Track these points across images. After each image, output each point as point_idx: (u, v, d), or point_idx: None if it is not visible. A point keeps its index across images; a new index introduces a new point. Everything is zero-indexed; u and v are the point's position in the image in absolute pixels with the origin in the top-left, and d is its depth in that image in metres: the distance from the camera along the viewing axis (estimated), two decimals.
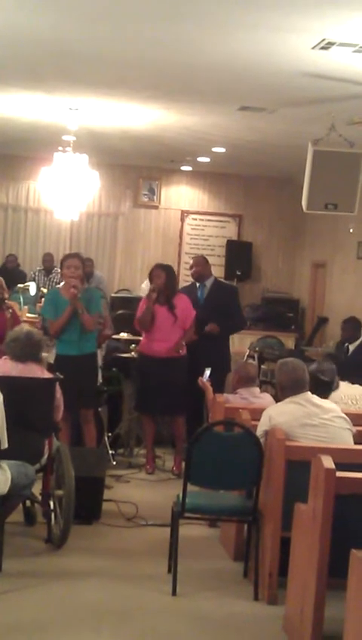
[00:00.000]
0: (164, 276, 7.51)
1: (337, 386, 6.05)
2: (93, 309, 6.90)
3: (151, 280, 7.67)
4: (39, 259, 13.50)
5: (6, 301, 7.39)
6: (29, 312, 9.34)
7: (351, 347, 8.59)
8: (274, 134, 10.10)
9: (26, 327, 5.90)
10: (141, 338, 7.85)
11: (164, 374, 7.35)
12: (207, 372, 6.61)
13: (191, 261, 8.68)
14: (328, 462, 4.06)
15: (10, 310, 7.35)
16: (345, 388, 6.32)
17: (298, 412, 4.95)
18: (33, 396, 5.48)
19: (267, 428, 4.94)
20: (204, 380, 6.58)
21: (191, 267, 8.39)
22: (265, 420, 5.00)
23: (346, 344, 8.73)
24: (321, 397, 5.18)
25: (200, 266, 8.29)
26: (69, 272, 6.87)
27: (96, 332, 7.02)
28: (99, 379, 7.39)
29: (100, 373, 7.44)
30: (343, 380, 6.46)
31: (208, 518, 5.59)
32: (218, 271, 12.72)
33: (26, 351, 5.60)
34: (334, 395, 6.05)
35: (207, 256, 8.70)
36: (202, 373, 6.65)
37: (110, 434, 7.74)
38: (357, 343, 8.58)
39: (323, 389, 5.53)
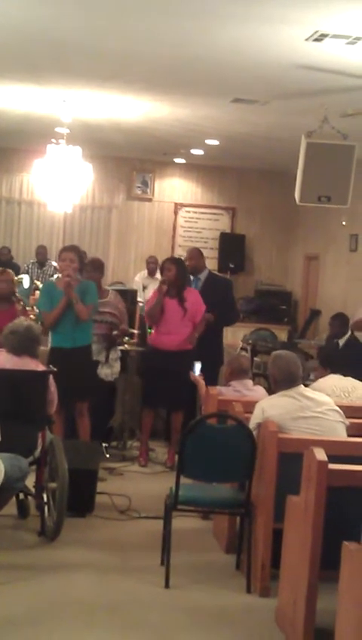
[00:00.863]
0: (174, 269, 7.50)
1: (308, 377, 6.12)
2: (88, 301, 6.90)
3: (161, 273, 7.68)
4: (33, 251, 13.47)
5: (16, 294, 7.42)
6: None
7: (341, 342, 8.60)
8: (268, 126, 10.10)
9: (26, 320, 5.86)
10: (134, 331, 7.84)
11: (173, 368, 7.32)
12: (197, 366, 6.61)
13: (184, 254, 8.67)
14: (320, 454, 4.06)
15: (22, 303, 7.37)
16: (337, 380, 6.32)
17: (291, 405, 4.95)
18: (27, 389, 5.47)
19: (260, 420, 4.94)
20: (195, 374, 6.57)
21: (185, 259, 8.38)
22: (258, 412, 5.01)
23: (335, 340, 8.74)
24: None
25: (195, 259, 8.28)
26: (63, 265, 6.88)
27: (90, 324, 7.02)
28: (116, 370, 7.51)
29: (119, 364, 7.58)
30: (335, 371, 6.48)
31: (201, 511, 5.60)
32: (211, 263, 12.74)
33: (24, 344, 5.59)
34: (325, 386, 6.07)
35: (200, 249, 8.68)
36: (192, 368, 6.65)
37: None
38: (346, 337, 8.59)
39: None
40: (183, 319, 7.46)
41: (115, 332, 7.51)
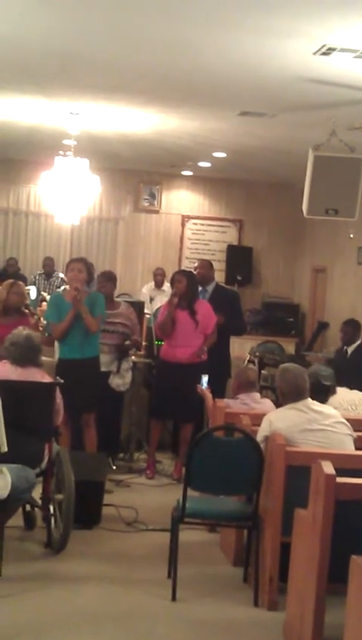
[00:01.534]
0: (185, 281, 7.51)
1: (334, 391, 6.08)
2: (97, 313, 6.91)
3: (172, 285, 7.69)
4: (39, 263, 13.50)
5: (30, 307, 7.44)
6: None
7: (350, 350, 8.59)
8: (275, 139, 10.11)
9: (24, 329, 5.85)
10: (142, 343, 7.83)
11: (184, 380, 7.30)
12: (205, 379, 6.60)
13: (192, 265, 8.67)
14: (328, 467, 4.05)
15: (36, 316, 7.39)
16: (344, 393, 6.31)
17: (298, 418, 4.95)
18: (33, 400, 5.47)
19: (267, 433, 4.93)
20: (203, 387, 6.57)
21: (195, 269, 8.39)
22: (266, 425, 5.00)
23: (345, 347, 8.73)
24: (319, 401, 5.18)
25: (205, 269, 8.31)
26: (72, 275, 6.90)
27: (99, 336, 7.03)
28: (128, 380, 7.52)
29: (130, 374, 7.59)
30: (342, 384, 6.47)
31: (208, 524, 5.59)
32: (219, 276, 12.69)
33: (26, 355, 5.59)
34: (333, 400, 6.05)
35: (211, 261, 8.71)
36: (200, 381, 6.64)
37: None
38: (356, 345, 8.58)
39: (323, 392, 5.55)
40: (195, 331, 7.46)
41: (127, 342, 7.51)
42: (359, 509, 4.12)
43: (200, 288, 8.15)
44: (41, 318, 8.03)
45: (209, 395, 6.38)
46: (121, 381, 7.52)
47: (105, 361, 7.27)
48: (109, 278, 7.75)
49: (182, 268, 12.71)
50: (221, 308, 7.95)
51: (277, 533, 4.73)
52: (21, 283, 7.60)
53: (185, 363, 7.41)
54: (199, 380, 6.65)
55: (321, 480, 4.03)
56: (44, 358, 6.78)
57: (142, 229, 14.55)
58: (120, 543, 5.74)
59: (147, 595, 4.84)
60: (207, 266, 8.39)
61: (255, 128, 9.45)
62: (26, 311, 7.31)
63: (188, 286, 7.51)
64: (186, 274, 7.77)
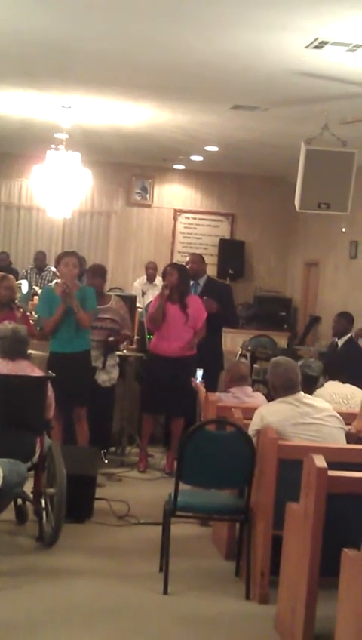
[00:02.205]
0: (176, 274, 7.51)
1: (321, 383, 6.14)
2: (89, 307, 6.90)
3: (163, 278, 7.70)
4: (31, 257, 13.45)
5: (16, 301, 7.43)
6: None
7: (340, 342, 8.59)
8: (267, 133, 10.11)
9: (10, 323, 5.84)
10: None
11: (174, 373, 7.32)
12: (199, 373, 6.60)
13: (184, 259, 8.67)
14: (320, 461, 4.06)
15: (21, 310, 7.38)
16: (336, 387, 6.32)
17: (290, 411, 4.95)
18: (24, 394, 5.46)
19: (259, 427, 4.93)
20: (197, 381, 6.57)
21: (186, 263, 8.38)
22: (257, 419, 5.00)
23: (335, 339, 8.72)
24: (305, 391, 5.20)
25: (196, 263, 8.30)
26: (66, 270, 6.88)
27: (90, 329, 7.03)
28: (114, 376, 7.49)
29: (117, 370, 7.58)
30: (333, 378, 6.47)
31: (200, 517, 5.58)
32: (211, 270, 12.73)
33: (15, 347, 5.59)
34: (324, 393, 6.07)
35: (202, 256, 8.70)
36: (194, 375, 6.65)
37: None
38: (346, 338, 8.58)
39: (309, 382, 5.60)
40: (185, 325, 7.47)
41: (110, 338, 7.48)
42: (350, 503, 4.13)
43: (191, 282, 8.15)
44: (32, 312, 8.03)
45: (202, 389, 6.37)
46: (107, 377, 7.50)
47: (92, 357, 7.25)
48: (99, 272, 7.73)
49: (175, 262, 12.71)
50: (213, 300, 7.95)
51: (268, 526, 4.73)
52: (11, 277, 7.59)
53: (175, 356, 7.41)
54: (191, 374, 6.64)
55: (313, 473, 4.03)
56: (37, 352, 6.80)
57: (134, 223, 14.54)
58: (112, 536, 5.74)
59: (139, 589, 4.84)
60: (198, 259, 8.39)
61: (247, 122, 9.45)
62: (13, 305, 7.30)
63: (180, 279, 7.51)
64: (178, 267, 7.77)
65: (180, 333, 7.46)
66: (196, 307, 7.57)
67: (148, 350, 7.85)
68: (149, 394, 7.64)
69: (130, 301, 8.44)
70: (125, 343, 8.00)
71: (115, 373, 7.61)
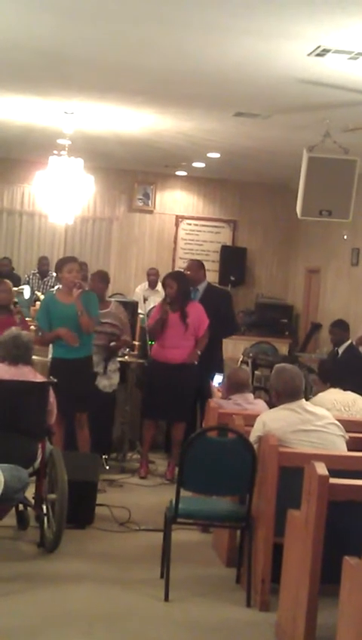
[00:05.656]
0: (175, 286, 7.50)
1: (311, 392, 6.17)
2: (92, 313, 6.91)
3: (164, 289, 7.71)
4: (33, 262, 13.49)
5: (16, 305, 7.46)
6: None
7: (340, 350, 8.60)
8: (269, 140, 10.13)
9: (16, 329, 5.86)
10: (135, 343, 7.82)
11: (175, 380, 7.34)
12: (217, 377, 6.60)
13: (185, 265, 8.67)
14: (321, 468, 4.06)
15: (20, 315, 7.40)
16: (338, 394, 6.32)
17: (292, 418, 4.95)
18: (26, 400, 5.46)
19: (260, 434, 4.93)
20: (215, 385, 6.57)
21: (185, 270, 8.38)
22: (259, 425, 5.00)
23: (335, 348, 8.74)
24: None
25: (193, 270, 8.27)
26: (70, 276, 6.88)
27: (92, 335, 7.03)
28: (115, 382, 7.51)
29: (118, 375, 7.58)
30: (334, 385, 6.47)
31: (201, 524, 5.58)
32: (212, 276, 12.75)
33: (16, 353, 5.59)
34: (326, 400, 6.07)
35: (201, 261, 8.69)
36: (211, 378, 6.64)
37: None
38: (346, 345, 8.59)
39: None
40: (185, 334, 7.46)
41: (112, 343, 7.49)
42: (351, 510, 4.12)
43: (191, 288, 8.14)
44: (28, 317, 8.06)
45: (218, 395, 6.36)
46: (107, 382, 7.51)
47: (93, 362, 7.25)
48: (103, 278, 7.76)
49: (176, 269, 12.73)
50: (212, 308, 7.95)
51: (269, 533, 4.73)
52: (7, 281, 7.63)
53: (176, 363, 7.41)
54: (191, 381, 6.65)
55: (314, 481, 4.03)
56: (37, 358, 6.81)
57: (136, 229, 14.56)
58: (113, 543, 5.74)
59: (140, 596, 4.84)
60: (196, 266, 8.35)
61: (249, 129, 9.47)
62: (12, 308, 7.35)
63: (179, 290, 7.50)
64: (177, 278, 7.73)
65: (180, 341, 7.46)
66: (197, 315, 7.56)
67: (149, 356, 7.86)
68: (150, 400, 7.65)
69: (131, 307, 8.45)
70: (127, 350, 7.99)
71: (115, 378, 7.61)
